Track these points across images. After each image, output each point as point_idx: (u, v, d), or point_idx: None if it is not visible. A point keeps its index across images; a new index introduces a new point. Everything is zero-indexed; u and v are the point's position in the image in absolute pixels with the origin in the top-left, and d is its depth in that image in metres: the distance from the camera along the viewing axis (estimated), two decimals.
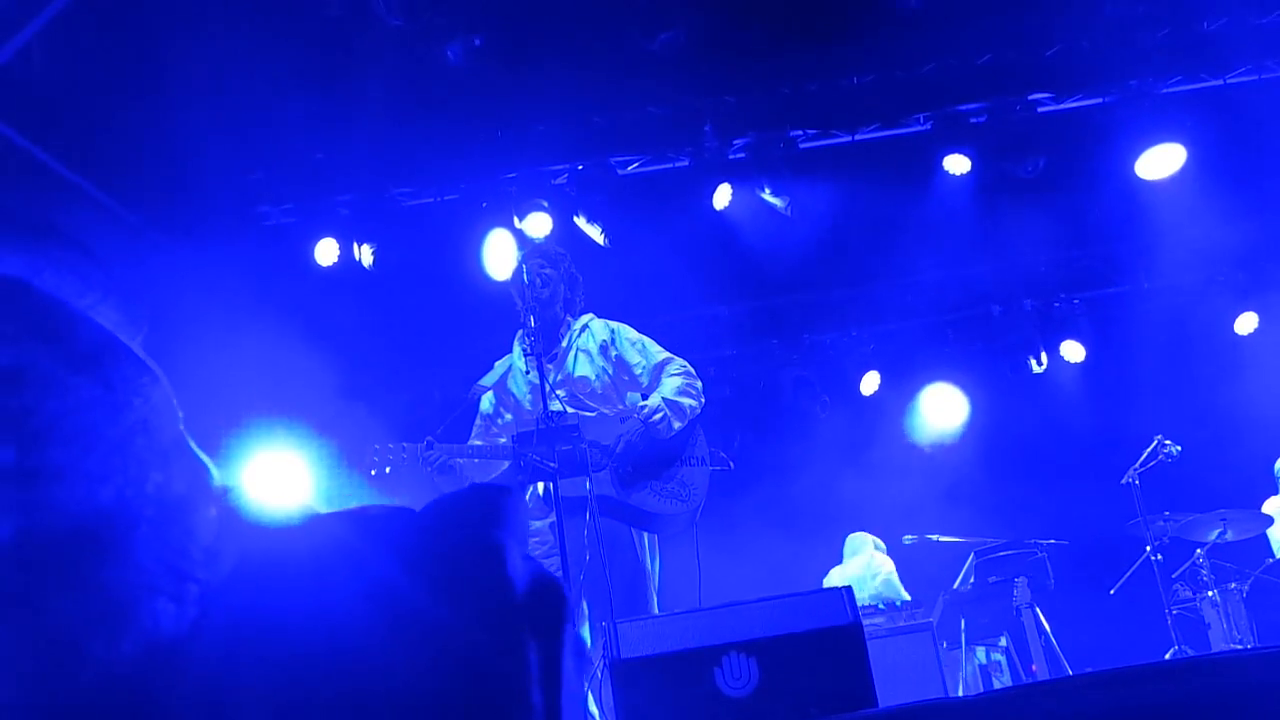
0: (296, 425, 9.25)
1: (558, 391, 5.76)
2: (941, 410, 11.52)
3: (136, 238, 8.65)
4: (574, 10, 7.65)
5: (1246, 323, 10.93)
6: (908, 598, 8.86)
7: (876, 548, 9.78)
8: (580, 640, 1.09)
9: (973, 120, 8.90)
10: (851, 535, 9.94)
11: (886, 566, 9.53)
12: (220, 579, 0.96)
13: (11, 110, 7.29)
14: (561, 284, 6.25)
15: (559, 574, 5.46)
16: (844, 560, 9.82)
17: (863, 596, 9.15)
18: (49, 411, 0.93)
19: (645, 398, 6.03)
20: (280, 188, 9.17)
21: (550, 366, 5.87)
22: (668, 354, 6.23)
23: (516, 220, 8.96)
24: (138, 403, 0.99)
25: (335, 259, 9.02)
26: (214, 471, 1.04)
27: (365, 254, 8.97)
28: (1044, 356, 10.98)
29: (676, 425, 5.89)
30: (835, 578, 9.59)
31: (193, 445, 1.04)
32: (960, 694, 7.90)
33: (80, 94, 7.27)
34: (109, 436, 0.96)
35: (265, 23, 7.32)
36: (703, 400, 6.09)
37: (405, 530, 1.06)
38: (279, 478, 9.35)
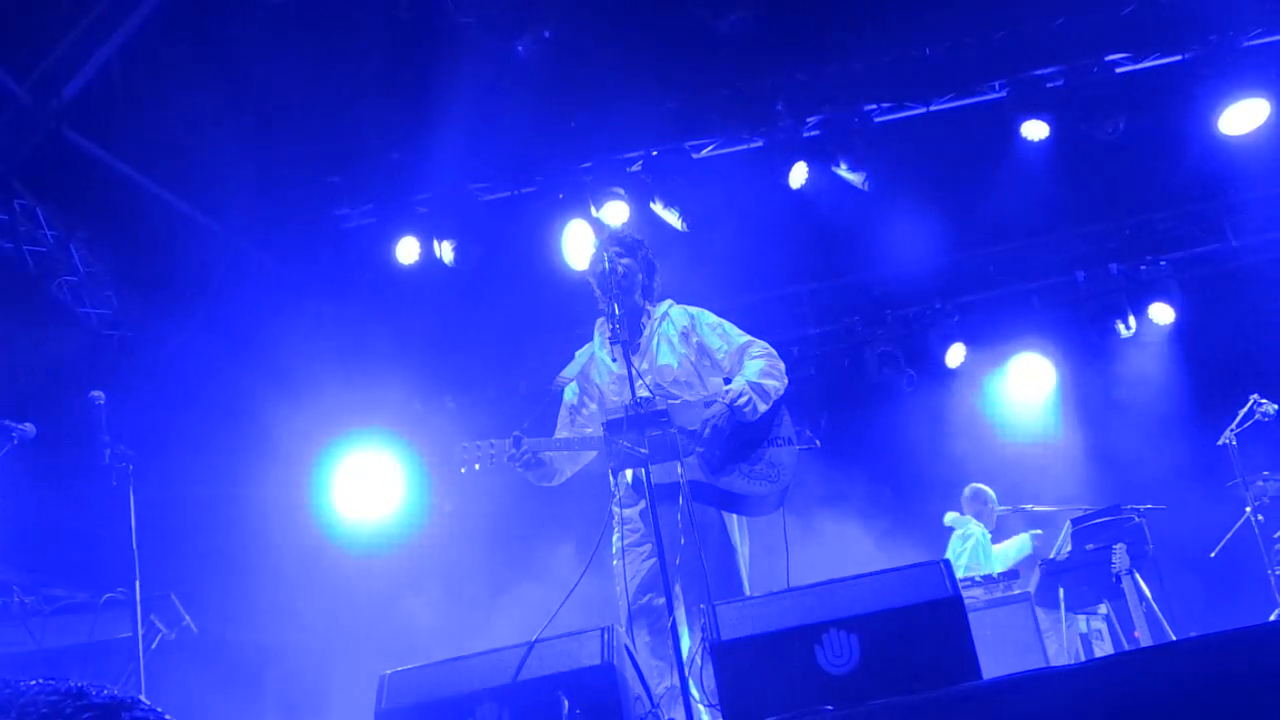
0: (385, 425, 9.38)
1: (645, 378, 5.75)
2: (1030, 379, 11.38)
3: (222, 247, 8.81)
4: None
5: None
6: (997, 569, 8.82)
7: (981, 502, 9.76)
8: None
9: (1049, 85, 8.78)
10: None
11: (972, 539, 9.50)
12: None
13: (95, 126, 7.46)
14: (640, 271, 6.24)
15: (653, 559, 5.48)
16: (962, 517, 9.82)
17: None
18: None
19: (728, 381, 6.00)
20: (359, 190, 9.29)
21: (634, 355, 5.85)
22: (749, 336, 6.20)
23: (593, 209, 8.99)
24: None
25: (417, 257, 9.12)
26: None
27: (446, 251, 9.05)
28: (1132, 320, 10.79)
29: (761, 408, 5.86)
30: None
31: None
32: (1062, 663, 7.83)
33: (160, 107, 7.41)
34: None
35: (338, 28, 7.41)
36: (786, 381, 6.05)
37: None
38: (369, 478, 9.50)
